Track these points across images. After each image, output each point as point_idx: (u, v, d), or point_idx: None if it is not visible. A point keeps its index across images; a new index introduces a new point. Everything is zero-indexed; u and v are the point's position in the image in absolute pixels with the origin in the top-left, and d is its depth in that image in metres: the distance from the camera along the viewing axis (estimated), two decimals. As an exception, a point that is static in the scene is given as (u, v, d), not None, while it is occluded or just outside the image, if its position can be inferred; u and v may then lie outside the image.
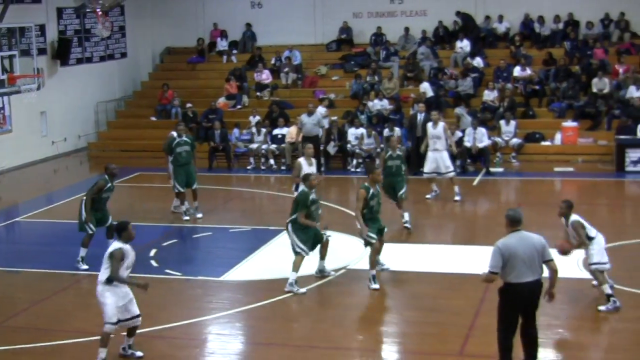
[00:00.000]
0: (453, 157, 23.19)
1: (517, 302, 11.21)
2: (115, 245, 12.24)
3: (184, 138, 20.92)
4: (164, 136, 27.97)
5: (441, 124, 22.46)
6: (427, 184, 22.89)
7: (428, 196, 22.72)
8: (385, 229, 16.17)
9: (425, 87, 29.93)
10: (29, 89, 21.18)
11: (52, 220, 21.79)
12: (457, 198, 22.44)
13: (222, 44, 35.51)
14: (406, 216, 19.67)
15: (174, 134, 21.12)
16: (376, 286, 15.55)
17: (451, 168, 22.60)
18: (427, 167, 22.63)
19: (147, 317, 14.49)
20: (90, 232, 17.14)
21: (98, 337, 12.56)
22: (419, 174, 24.40)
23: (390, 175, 19.28)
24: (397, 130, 24.71)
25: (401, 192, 19.45)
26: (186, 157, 20.83)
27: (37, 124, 30.49)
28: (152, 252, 18.37)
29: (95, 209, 17.20)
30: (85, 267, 17.04)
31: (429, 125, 22.76)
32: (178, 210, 21.28)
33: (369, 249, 15.88)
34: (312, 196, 15.77)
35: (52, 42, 31.10)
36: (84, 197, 17.23)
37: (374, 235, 15.65)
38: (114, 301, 12.25)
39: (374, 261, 15.79)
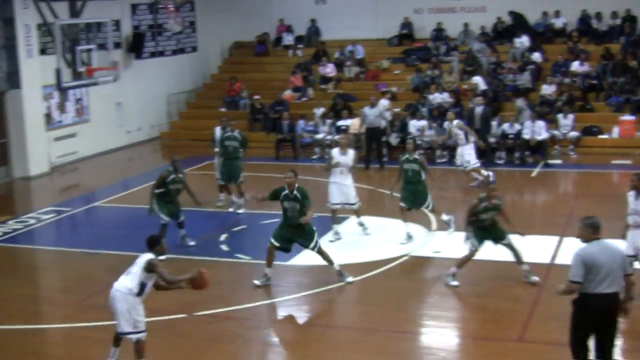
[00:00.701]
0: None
1: (593, 314, 10.17)
2: (149, 256, 11.60)
3: (234, 133, 20.83)
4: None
5: (455, 122, 22.93)
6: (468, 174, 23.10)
7: (472, 184, 22.87)
8: (499, 242, 15.41)
9: (478, 80, 29.83)
10: (106, 81, 21.46)
11: (128, 206, 22.16)
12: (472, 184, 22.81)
13: (287, 39, 35.66)
14: (445, 217, 18.41)
15: (218, 128, 21.28)
16: (455, 283, 15.26)
17: (472, 162, 22.78)
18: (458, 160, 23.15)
19: (219, 299, 14.77)
20: (162, 222, 17.39)
21: (168, 317, 12.71)
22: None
23: (409, 183, 18.03)
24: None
25: (426, 204, 18.05)
26: (233, 152, 20.69)
27: (113, 114, 30.93)
28: (223, 237, 18.60)
29: (166, 201, 17.42)
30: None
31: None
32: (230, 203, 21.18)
33: (429, 236, 15.87)
34: (284, 192, 15.39)
35: (127, 37, 31.51)
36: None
37: (476, 244, 15.16)
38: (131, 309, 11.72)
39: (462, 262, 15.33)
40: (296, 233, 15.29)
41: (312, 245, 15.33)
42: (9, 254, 18.40)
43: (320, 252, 15.41)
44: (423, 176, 18.01)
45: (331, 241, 18.01)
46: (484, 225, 15.06)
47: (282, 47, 35.80)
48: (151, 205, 17.33)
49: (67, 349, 13.20)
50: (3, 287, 16.01)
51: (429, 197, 18.08)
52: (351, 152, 18.74)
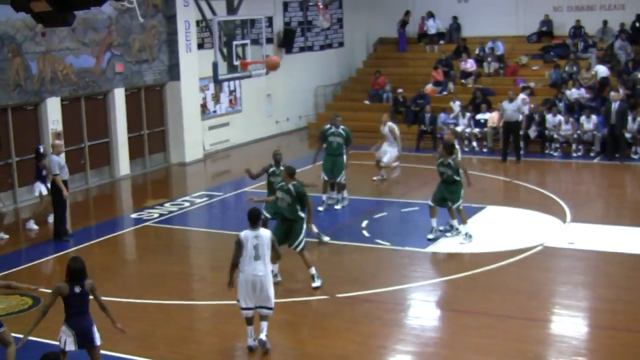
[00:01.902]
0: None
1: None
2: (267, 232, 11.81)
3: (339, 129, 19.95)
4: (376, 118, 28.07)
5: (389, 124, 22.11)
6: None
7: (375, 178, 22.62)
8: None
9: (598, 69, 28.97)
10: (259, 74, 21.63)
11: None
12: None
13: (431, 27, 35.18)
14: (455, 223, 17.40)
15: (328, 125, 20.45)
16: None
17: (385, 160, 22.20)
18: None
19: (358, 282, 14.74)
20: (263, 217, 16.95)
21: (310, 298, 12.73)
22: (615, 160, 23.66)
23: (444, 182, 17.15)
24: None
25: (457, 204, 17.10)
26: (336, 148, 19.80)
27: (263, 105, 31.29)
28: (364, 224, 18.53)
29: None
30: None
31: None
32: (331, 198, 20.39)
33: (563, 227, 15.41)
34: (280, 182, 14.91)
35: (279, 33, 31.79)
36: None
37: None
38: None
39: None
40: (283, 226, 14.62)
41: (295, 244, 14.50)
42: (164, 234, 18.82)
43: (302, 254, 14.58)
44: (457, 178, 17.04)
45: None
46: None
47: (425, 42, 35.35)
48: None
49: (216, 324, 13.38)
50: (159, 265, 16.37)
51: (460, 200, 17.15)
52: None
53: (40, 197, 19.52)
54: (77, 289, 10.05)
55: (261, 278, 11.60)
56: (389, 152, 22.07)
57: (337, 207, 20.04)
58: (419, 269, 15.73)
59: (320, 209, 19.67)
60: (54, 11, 6.33)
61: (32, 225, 19.38)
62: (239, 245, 11.61)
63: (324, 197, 20.00)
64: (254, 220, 11.74)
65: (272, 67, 20.05)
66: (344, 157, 19.88)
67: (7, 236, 18.62)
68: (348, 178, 20.58)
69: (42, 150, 19.66)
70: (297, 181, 14.62)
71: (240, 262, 11.69)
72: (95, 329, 10.25)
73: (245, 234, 11.67)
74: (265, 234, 11.68)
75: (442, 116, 28.85)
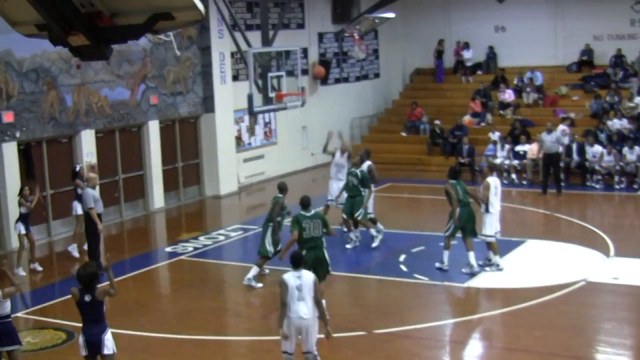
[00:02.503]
0: None
1: None
2: (311, 275, 11.51)
3: (357, 170, 19.59)
4: (413, 150, 28.17)
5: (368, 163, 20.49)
6: None
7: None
8: None
9: (638, 101, 28.72)
10: (294, 105, 21.66)
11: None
12: None
13: (466, 57, 35.11)
14: (471, 258, 17.27)
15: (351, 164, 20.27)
16: None
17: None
18: None
19: (396, 317, 14.61)
20: (270, 255, 16.98)
21: (347, 334, 12.60)
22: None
23: (466, 207, 17.19)
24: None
25: (470, 231, 17.22)
26: (352, 189, 19.47)
27: (298, 137, 31.34)
28: (402, 258, 18.41)
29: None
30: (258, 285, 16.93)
31: None
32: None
33: (607, 262, 15.23)
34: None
35: (314, 64, 31.90)
36: (270, 221, 17.02)
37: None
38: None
39: None
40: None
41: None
42: (199, 268, 18.82)
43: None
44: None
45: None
46: None
47: (461, 73, 35.30)
48: (269, 240, 17.01)
49: (251, 360, 13.31)
50: (193, 299, 16.35)
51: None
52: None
53: (77, 218, 19.70)
54: (87, 298, 10.02)
55: (306, 322, 11.36)
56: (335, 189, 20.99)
57: (374, 244, 19.65)
58: (459, 305, 15.59)
59: (349, 246, 19.58)
60: (92, 45, 6.37)
61: (75, 252, 19.46)
62: (284, 286, 11.41)
63: (352, 235, 19.78)
64: (297, 262, 11.56)
65: (318, 75, 20.21)
66: (364, 196, 19.46)
67: (41, 268, 18.72)
68: (383, 211, 20.49)
69: (77, 169, 19.91)
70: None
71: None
72: (106, 338, 10.23)
73: (288, 275, 11.50)
74: (307, 275, 11.48)
75: (491, 147, 28.34)
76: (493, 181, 17.30)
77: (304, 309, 11.30)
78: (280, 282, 11.46)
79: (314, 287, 11.38)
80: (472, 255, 17.06)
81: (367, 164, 19.90)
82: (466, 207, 17.18)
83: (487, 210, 17.14)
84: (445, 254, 17.44)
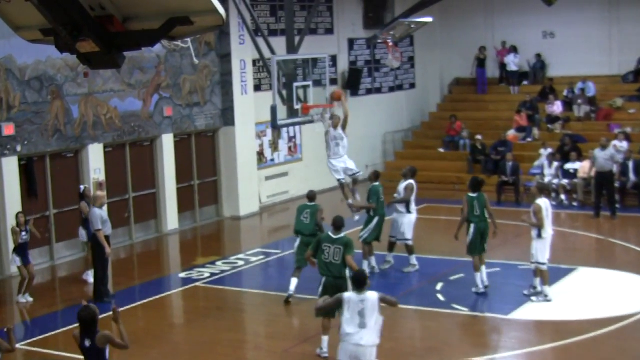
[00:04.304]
0: None
1: None
2: (375, 295, 11.31)
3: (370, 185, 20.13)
4: (452, 168, 28.15)
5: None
6: None
7: None
8: None
9: None
10: (322, 119, 21.71)
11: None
12: None
13: (511, 63, 35.02)
14: (479, 279, 17.96)
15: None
16: None
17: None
18: None
19: (433, 351, 14.59)
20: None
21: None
22: None
23: (481, 223, 17.94)
24: None
25: (485, 245, 18.03)
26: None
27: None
28: (439, 286, 18.37)
29: None
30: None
31: None
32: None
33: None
34: None
35: (343, 73, 32.00)
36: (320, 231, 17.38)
37: None
38: None
39: None
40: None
41: None
42: (216, 296, 18.86)
43: None
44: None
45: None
46: None
47: (506, 78, 35.19)
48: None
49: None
50: (210, 331, 16.38)
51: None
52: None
53: (85, 245, 19.83)
54: (87, 343, 10.01)
55: (365, 350, 11.20)
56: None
57: (406, 269, 19.79)
58: (502, 338, 15.53)
59: (386, 267, 19.84)
60: (102, 52, 6.41)
61: (91, 278, 19.55)
62: (339, 302, 11.33)
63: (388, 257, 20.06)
64: (360, 283, 11.31)
65: (336, 98, 20.22)
66: (371, 217, 19.75)
67: (31, 299, 18.73)
68: (419, 234, 20.47)
69: (82, 189, 19.99)
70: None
71: (341, 328, 11.41)
72: None
73: (350, 296, 11.34)
74: (372, 297, 11.21)
75: (537, 165, 28.24)
76: (544, 203, 17.22)
77: (366, 337, 11.13)
78: (338, 298, 11.36)
79: (378, 304, 11.17)
80: (481, 274, 17.83)
81: (407, 182, 19.88)
82: (480, 224, 17.85)
83: (539, 236, 17.04)
84: (477, 276, 17.84)
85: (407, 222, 19.78)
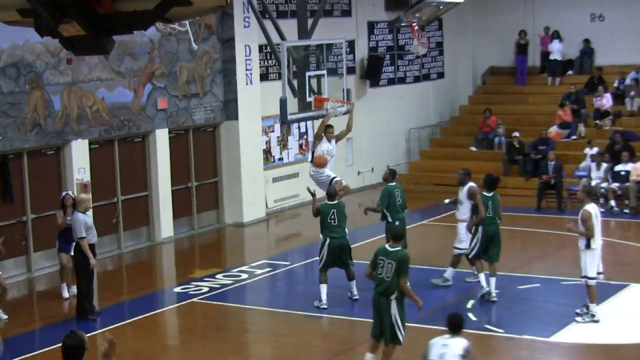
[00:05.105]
0: None
1: None
2: (463, 342, 11.51)
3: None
4: (485, 169, 27.95)
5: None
6: None
7: None
8: None
9: None
10: (338, 112, 21.63)
11: (356, 261, 22.02)
12: None
13: (554, 54, 34.93)
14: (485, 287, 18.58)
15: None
16: None
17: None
18: None
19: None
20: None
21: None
22: None
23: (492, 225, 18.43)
24: None
25: (495, 255, 18.57)
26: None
27: (342, 151, 31.27)
28: (470, 304, 18.34)
29: None
30: None
31: None
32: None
33: None
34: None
35: (362, 60, 32.01)
36: None
37: None
38: None
39: None
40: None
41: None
42: (216, 314, 18.88)
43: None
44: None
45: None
46: None
47: (548, 66, 35.12)
48: None
49: None
50: (209, 353, 16.41)
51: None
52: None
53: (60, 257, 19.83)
54: None
55: None
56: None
57: (436, 281, 19.83)
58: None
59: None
60: (88, 36, 6.42)
61: (65, 292, 19.56)
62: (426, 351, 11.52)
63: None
64: (455, 326, 11.59)
65: (320, 163, 20.28)
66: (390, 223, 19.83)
67: (5, 316, 18.74)
68: (447, 244, 20.42)
69: (63, 195, 19.95)
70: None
71: None
72: None
73: (435, 341, 11.53)
74: (456, 345, 11.36)
75: (583, 166, 28.20)
76: (593, 209, 17.11)
77: None
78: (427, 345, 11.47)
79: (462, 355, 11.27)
80: (493, 281, 18.29)
81: (468, 185, 19.73)
82: (491, 227, 18.25)
83: (588, 246, 16.88)
84: (482, 277, 18.50)
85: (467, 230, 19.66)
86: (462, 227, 19.52)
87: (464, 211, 19.43)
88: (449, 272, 19.73)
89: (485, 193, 18.43)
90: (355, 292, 18.77)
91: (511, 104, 34.70)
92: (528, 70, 35.56)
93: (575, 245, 17.37)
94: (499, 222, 18.45)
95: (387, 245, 14.53)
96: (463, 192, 19.47)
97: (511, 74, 36.03)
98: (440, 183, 30.98)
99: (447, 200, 20.25)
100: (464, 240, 19.30)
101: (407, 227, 19.95)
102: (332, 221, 18.48)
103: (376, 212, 20.10)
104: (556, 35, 34.88)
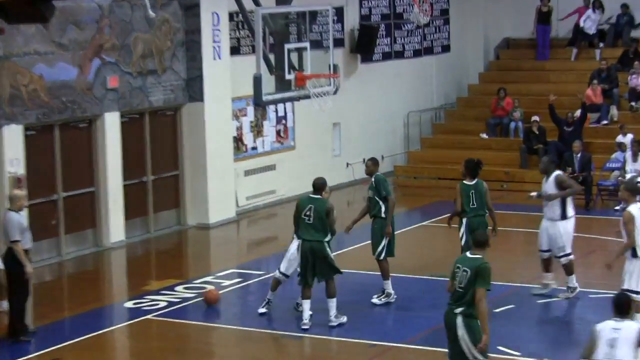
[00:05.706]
0: None
1: None
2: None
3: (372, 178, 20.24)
4: (499, 160, 28.15)
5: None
6: None
7: None
8: None
9: None
10: (323, 92, 21.58)
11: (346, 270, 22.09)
12: None
13: (589, 28, 34.97)
14: None
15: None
16: None
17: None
18: None
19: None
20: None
21: None
22: None
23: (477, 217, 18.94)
24: None
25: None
26: (371, 208, 20.34)
27: (327, 139, 31.41)
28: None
29: None
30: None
31: None
32: None
33: None
34: None
35: (352, 31, 32.01)
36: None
37: None
38: None
39: None
40: None
41: None
42: (175, 333, 18.84)
43: None
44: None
45: None
46: None
47: (578, 44, 35.23)
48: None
49: None
50: (168, 380, 16.47)
51: None
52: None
53: None
54: None
55: None
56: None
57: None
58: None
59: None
60: (24, 2, 6.47)
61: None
62: (594, 337, 11.82)
63: None
64: (621, 307, 12.01)
65: (212, 300, 20.33)
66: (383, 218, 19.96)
67: None
68: (454, 250, 20.49)
69: None
70: None
71: None
72: None
73: (604, 325, 11.89)
74: (629, 328, 11.80)
75: (617, 157, 28.34)
76: (637, 210, 16.92)
77: None
78: (591, 330, 11.89)
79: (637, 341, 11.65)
80: None
81: (555, 174, 19.85)
82: (475, 219, 18.56)
83: (634, 255, 16.74)
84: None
85: (564, 230, 19.78)
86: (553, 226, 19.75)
87: (554, 208, 19.60)
88: (572, 280, 19.84)
89: (466, 182, 18.69)
90: (333, 314, 18.35)
91: (530, 82, 34.82)
92: (551, 42, 35.61)
93: (606, 251, 17.44)
94: (487, 214, 18.76)
95: (468, 252, 14.57)
96: (549, 183, 19.64)
97: (530, 47, 36.11)
98: (445, 177, 30.98)
99: (533, 194, 20.05)
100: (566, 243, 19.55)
101: (405, 229, 20.06)
102: (307, 218, 18.31)
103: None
104: (599, 5, 34.80)
